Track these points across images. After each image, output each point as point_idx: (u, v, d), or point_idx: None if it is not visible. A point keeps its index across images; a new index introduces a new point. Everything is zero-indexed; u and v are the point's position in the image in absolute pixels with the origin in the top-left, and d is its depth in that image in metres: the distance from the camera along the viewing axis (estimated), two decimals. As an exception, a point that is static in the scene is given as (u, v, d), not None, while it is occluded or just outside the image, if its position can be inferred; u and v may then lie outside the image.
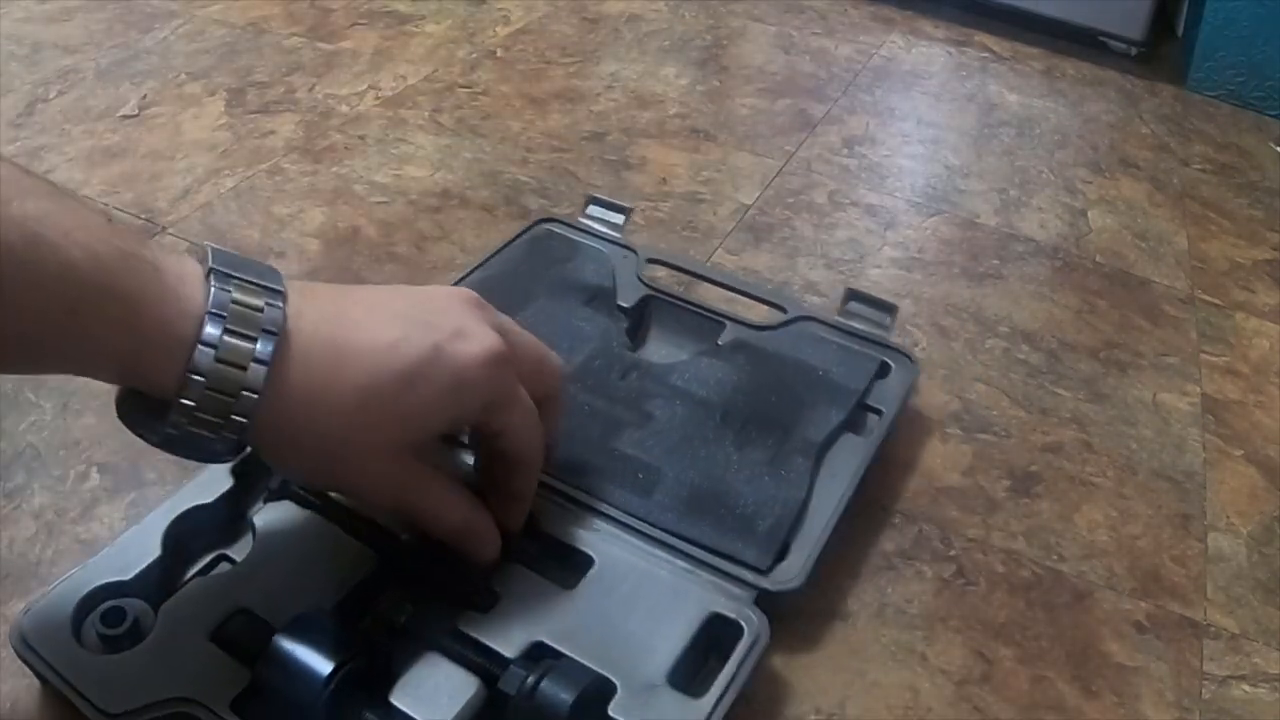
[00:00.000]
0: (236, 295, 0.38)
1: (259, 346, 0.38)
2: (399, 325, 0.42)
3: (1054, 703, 0.52)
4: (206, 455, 0.40)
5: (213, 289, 0.38)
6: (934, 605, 0.56)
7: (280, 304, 0.39)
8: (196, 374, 0.37)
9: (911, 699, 0.51)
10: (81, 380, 0.47)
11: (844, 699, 0.51)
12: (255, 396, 0.38)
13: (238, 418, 0.38)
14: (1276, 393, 0.75)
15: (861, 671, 0.52)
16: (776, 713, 0.50)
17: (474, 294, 0.46)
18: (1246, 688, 0.54)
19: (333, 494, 0.50)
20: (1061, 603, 0.57)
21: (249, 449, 0.42)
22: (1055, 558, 0.60)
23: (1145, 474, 0.66)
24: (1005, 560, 0.59)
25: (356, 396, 0.40)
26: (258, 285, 0.39)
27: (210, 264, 0.39)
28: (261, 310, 0.38)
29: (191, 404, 0.37)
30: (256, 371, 0.37)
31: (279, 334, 0.38)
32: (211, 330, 0.37)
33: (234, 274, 0.39)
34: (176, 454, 0.40)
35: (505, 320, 0.47)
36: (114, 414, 0.40)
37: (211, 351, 0.37)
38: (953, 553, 0.59)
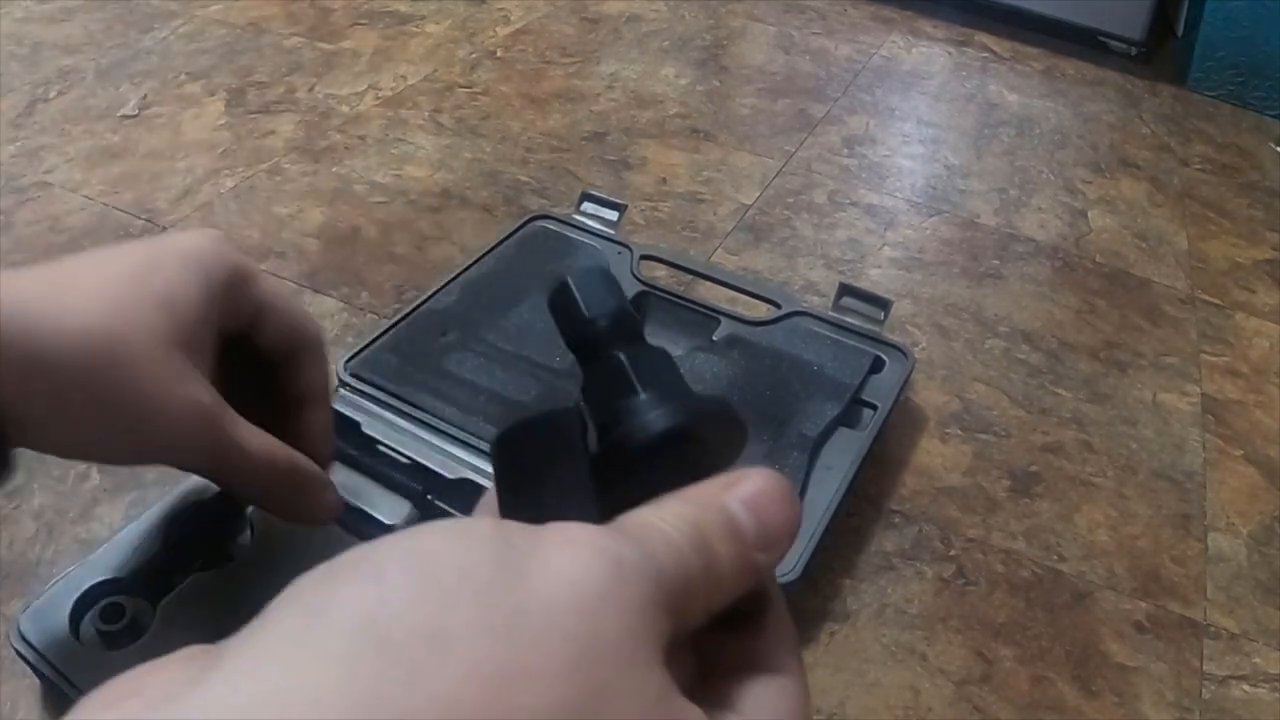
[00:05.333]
0: None
1: None
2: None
3: (1054, 703, 0.52)
4: None
5: None
6: (934, 605, 0.56)
7: None
8: None
9: (911, 699, 0.51)
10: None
11: (844, 699, 0.51)
12: None
13: None
14: (1276, 393, 0.75)
15: (861, 671, 0.52)
16: (776, 712, 0.50)
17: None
18: (1246, 688, 0.54)
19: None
20: (1061, 603, 0.57)
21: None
22: (1055, 558, 0.60)
23: (1145, 474, 0.66)
24: (1005, 560, 0.59)
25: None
26: None
27: None
28: None
29: None
30: None
31: None
32: None
33: None
34: None
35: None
36: None
37: None
38: (953, 553, 0.59)
